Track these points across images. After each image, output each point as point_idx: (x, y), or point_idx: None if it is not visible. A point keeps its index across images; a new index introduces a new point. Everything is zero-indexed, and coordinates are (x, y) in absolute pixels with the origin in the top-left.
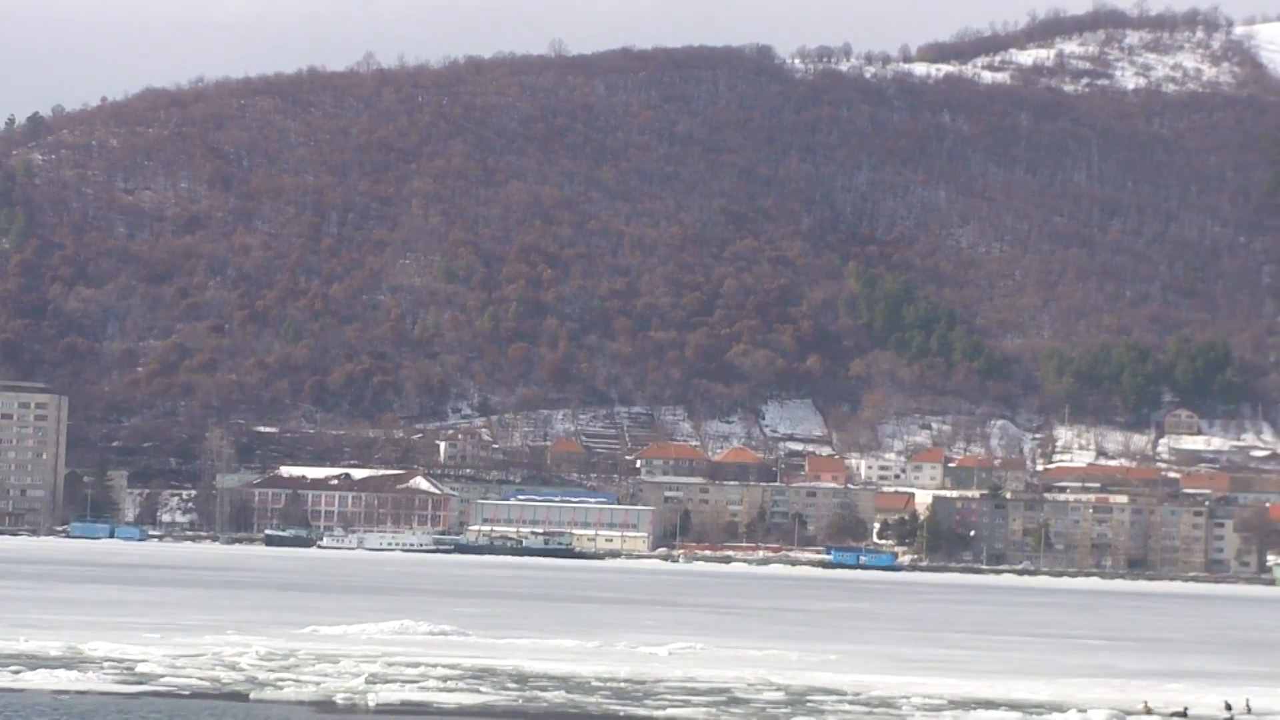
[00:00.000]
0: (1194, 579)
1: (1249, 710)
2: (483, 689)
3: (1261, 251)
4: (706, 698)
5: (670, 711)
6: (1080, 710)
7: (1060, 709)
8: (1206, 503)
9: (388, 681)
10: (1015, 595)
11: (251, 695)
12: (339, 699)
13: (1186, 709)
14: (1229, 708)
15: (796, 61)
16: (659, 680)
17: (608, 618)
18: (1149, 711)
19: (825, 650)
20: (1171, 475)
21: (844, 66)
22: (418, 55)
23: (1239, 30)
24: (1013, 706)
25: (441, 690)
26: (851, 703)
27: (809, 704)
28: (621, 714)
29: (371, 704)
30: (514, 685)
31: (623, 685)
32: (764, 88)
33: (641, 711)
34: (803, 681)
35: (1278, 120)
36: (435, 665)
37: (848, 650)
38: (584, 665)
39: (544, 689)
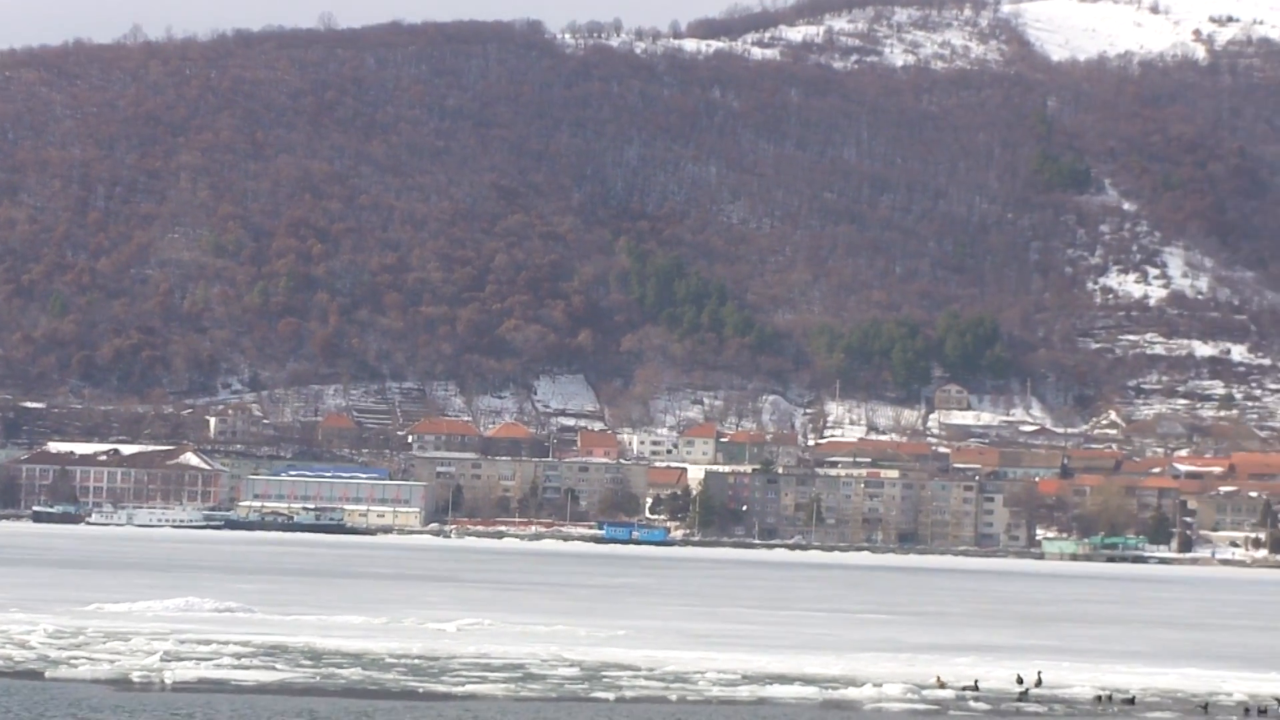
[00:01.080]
0: (964, 553)
1: (1039, 683)
2: (278, 666)
3: (1029, 228)
4: (503, 674)
5: (469, 688)
6: (876, 685)
7: (854, 684)
8: (976, 477)
9: (181, 659)
10: (790, 570)
11: (46, 674)
12: (135, 677)
13: (977, 682)
14: (1020, 681)
15: (567, 37)
16: (452, 656)
17: (390, 594)
18: (942, 685)
19: (612, 625)
20: (941, 450)
21: (614, 42)
22: (185, 28)
23: (1006, 8)
24: (807, 681)
25: (236, 668)
26: (647, 678)
27: (605, 679)
28: (421, 690)
29: (168, 681)
30: (308, 662)
31: (417, 662)
32: (535, 63)
33: (441, 688)
34: (595, 657)
35: (1045, 98)
36: (227, 643)
37: (635, 625)
38: (375, 642)
39: (339, 666)
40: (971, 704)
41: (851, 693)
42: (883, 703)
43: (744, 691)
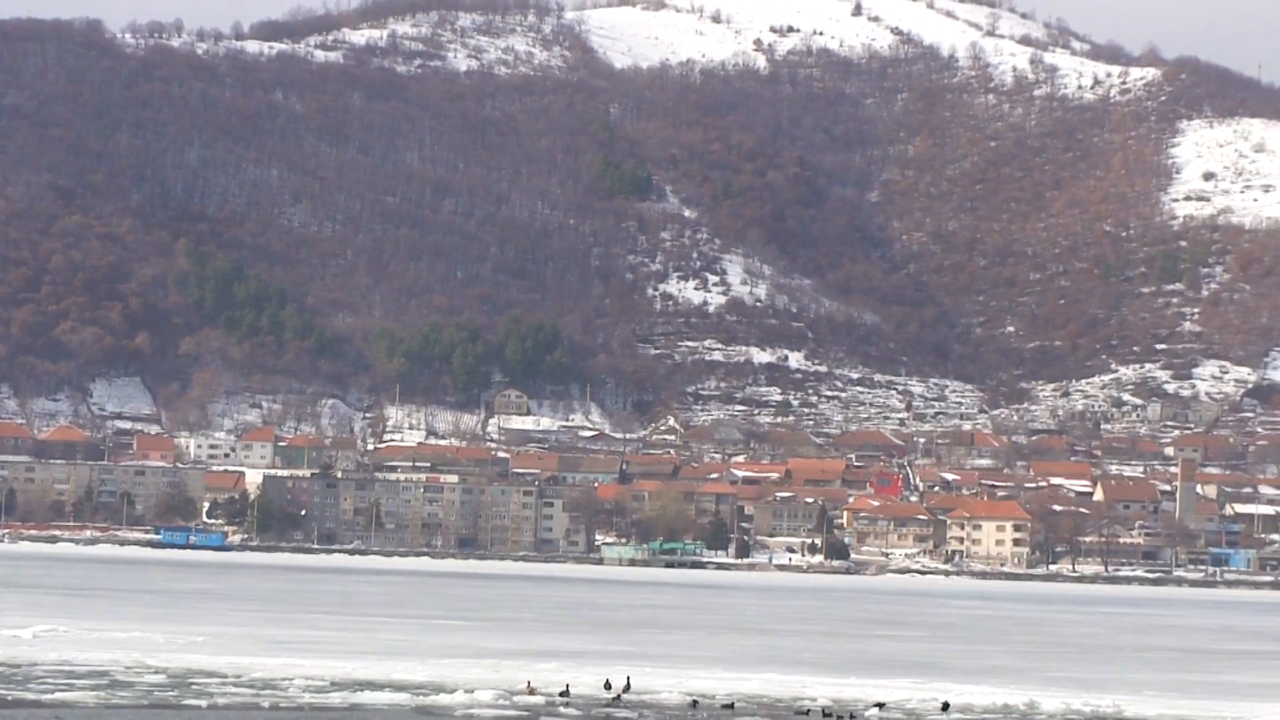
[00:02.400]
0: (524, 558)
1: (628, 689)
2: None
3: (590, 234)
4: (89, 681)
5: (58, 695)
6: (467, 691)
7: (444, 690)
8: (536, 482)
9: None
10: (353, 575)
11: None
12: None
13: (568, 687)
14: (609, 687)
15: (128, 36)
16: (34, 664)
17: None
18: (533, 692)
19: (189, 632)
20: (501, 455)
21: (176, 42)
22: None
23: (570, 15)
24: (397, 688)
25: None
26: (236, 685)
27: (194, 687)
28: (10, 699)
29: None
30: None
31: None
32: (94, 62)
33: (29, 695)
34: (179, 664)
35: (607, 104)
36: None
37: (212, 632)
38: None
39: None
40: (564, 710)
41: (443, 699)
42: (475, 709)
43: (336, 698)
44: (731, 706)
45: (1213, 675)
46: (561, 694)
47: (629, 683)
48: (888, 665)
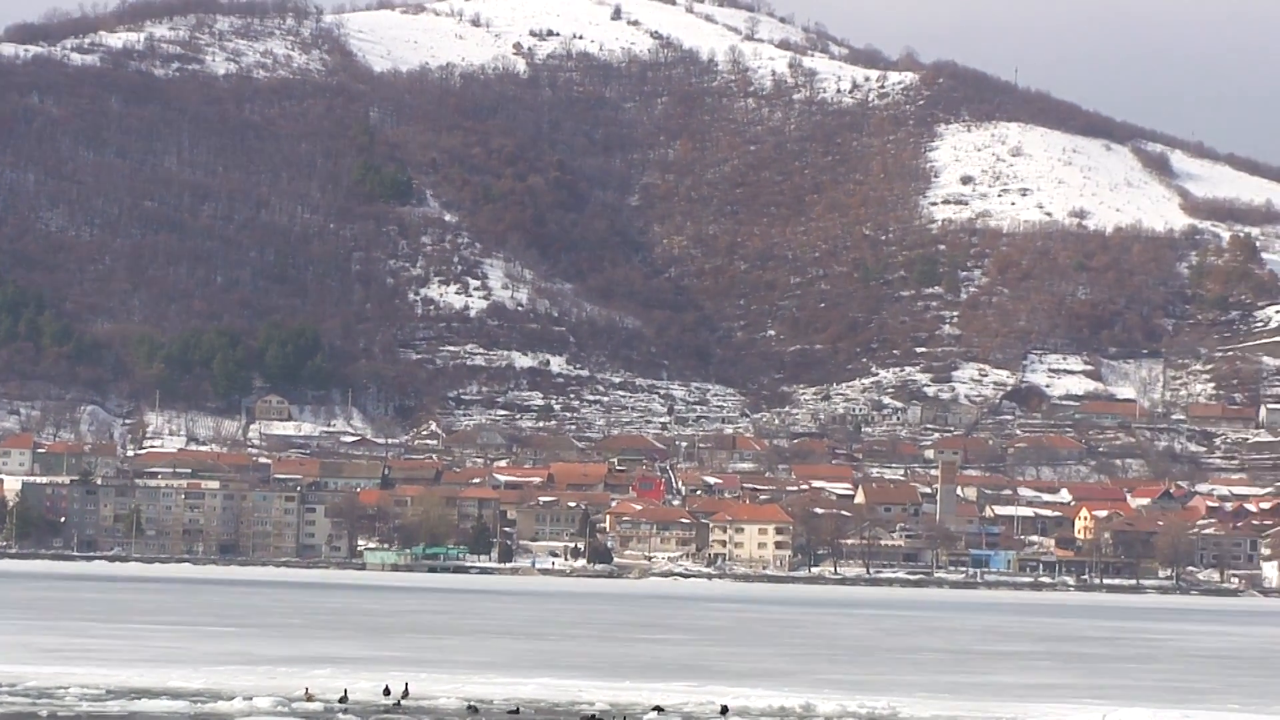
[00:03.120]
0: (287, 564)
1: (407, 694)
2: None
3: (351, 239)
4: None
5: None
6: (245, 698)
7: (222, 697)
8: (298, 488)
9: None
10: (117, 583)
11: None
12: None
13: (346, 693)
14: (388, 693)
15: None
16: None
17: None
18: (311, 698)
19: None
20: (263, 461)
21: None
22: None
23: (329, 18)
24: (174, 695)
25: None
26: (10, 693)
27: None
28: None
29: None
30: None
31: None
32: None
33: None
34: None
35: (367, 108)
36: None
37: None
38: None
39: None
40: (343, 716)
41: (222, 706)
42: (254, 716)
43: (114, 706)
44: (517, 711)
45: (983, 676)
46: (340, 700)
47: (407, 688)
48: (662, 668)
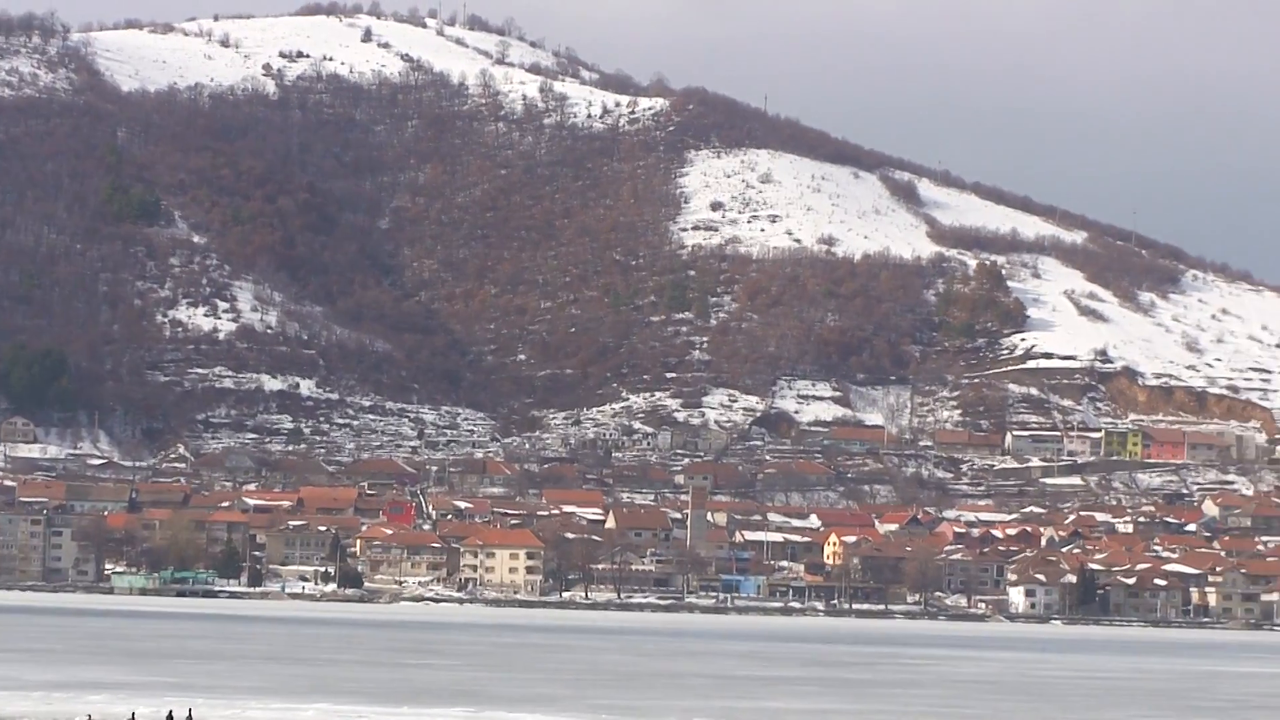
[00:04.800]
0: (32, 588)
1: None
2: None
3: (98, 259)
4: None
5: None
6: None
7: None
8: (44, 511)
9: None
10: None
11: None
12: None
13: (135, 716)
14: (172, 717)
15: None
16: None
17: None
18: None
19: None
20: (8, 483)
21: None
22: None
23: (76, 37)
24: None
25: None
26: None
27: None
28: None
29: None
30: None
31: None
32: None
33: None
34: None
35: (114, 128)
36: None
37: None
38: None
39: None
40: None
41: None
42: None
43: None
44: None
45: (756, 702)
46: None
47: (191, 714)
48: (435, 694)
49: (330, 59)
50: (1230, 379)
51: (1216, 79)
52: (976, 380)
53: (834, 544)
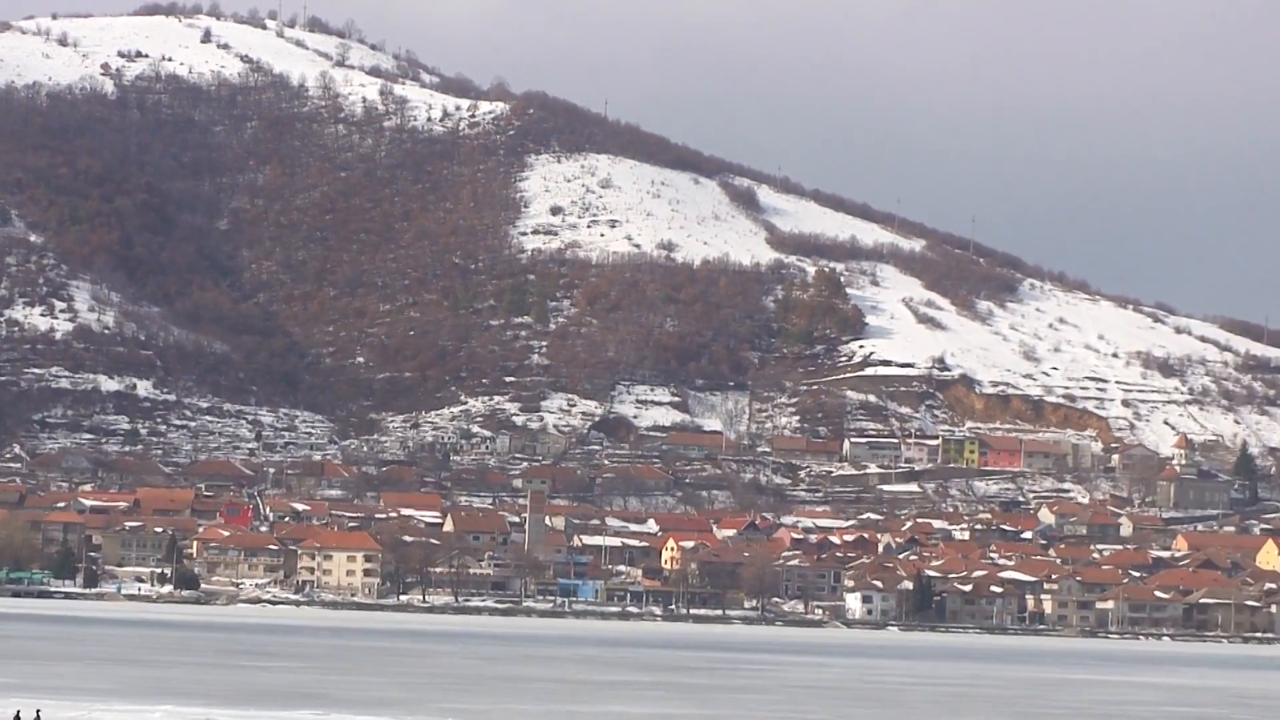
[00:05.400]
0: None
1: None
2: None
3: None
4: None
5: None
6: None
7: None
8: None
9: None
10: None
11: None
12: None
13: None
14: (19, 718)
15: None
16: None
17: None
18: None
19: None
20: None
21: None
22: None
23: None
24: None
25: None
26: None
27: None
28: None
29: None
30: None
31: None
32: None
33: None
34: None
35: None
36: None
37: None
38: None
39: None
40: None
41: None
42: None
43: None
44: None
45: (599, 706)
46: None
47: (39, 715)
48: (282, 696)
49: (169, 59)
50: (1067, 388)
51: (1056, 88)
52: (815, 387)
53: (672, 549)
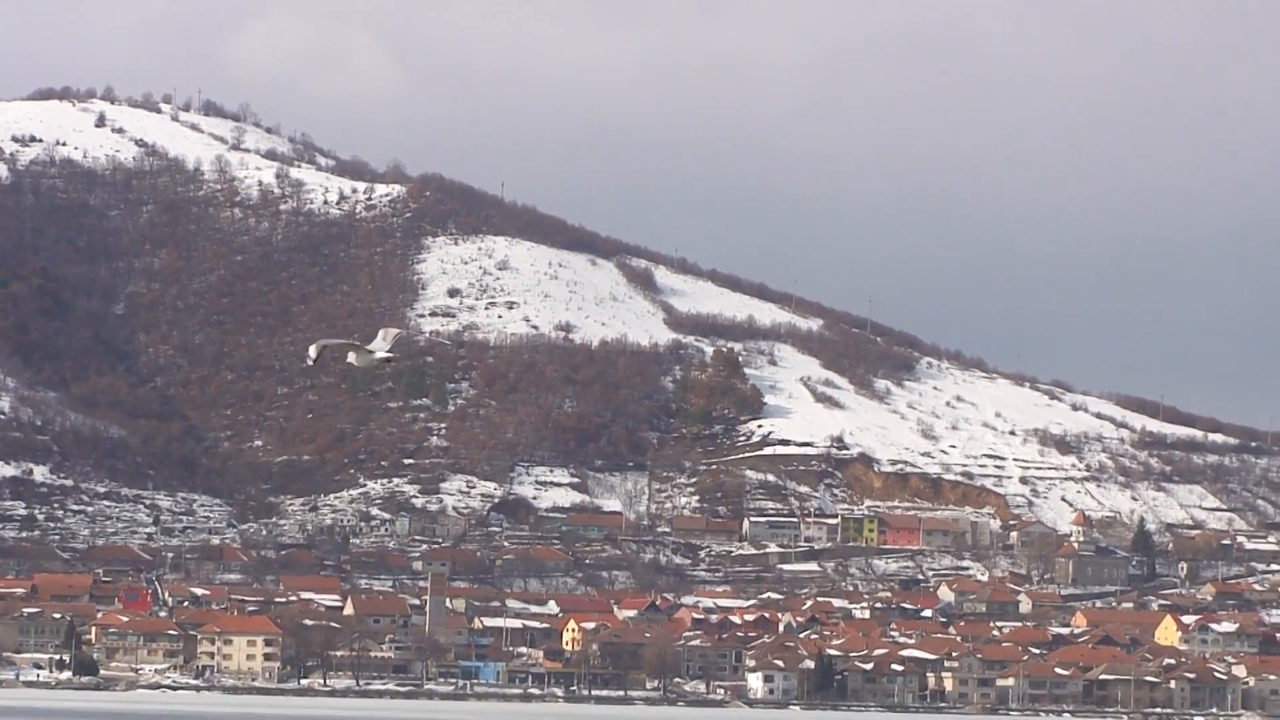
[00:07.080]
0: None
1: None
2: None
3: None
4: None
5: None
6: None
7: None
8: None
9: None
10: None
11: None
12: None
13: None
14: None
15: None
16: None
17: None
18: None
19: None
20: None
21: None
22: None
23: None
24: None
25: None
26: None
27: None
28: None
29: None
30: None
31: None
32: None
33: None
34: None
35: None
36: None
37: None
38: None
39: None
40: None
41: None
42: None
43: None
44: None
45: None
46: None
47: None
48: None
49: (64, 144)
50: (965, 465)
51: (952, 165)
52: (714, 467)
53: (573, 630)
